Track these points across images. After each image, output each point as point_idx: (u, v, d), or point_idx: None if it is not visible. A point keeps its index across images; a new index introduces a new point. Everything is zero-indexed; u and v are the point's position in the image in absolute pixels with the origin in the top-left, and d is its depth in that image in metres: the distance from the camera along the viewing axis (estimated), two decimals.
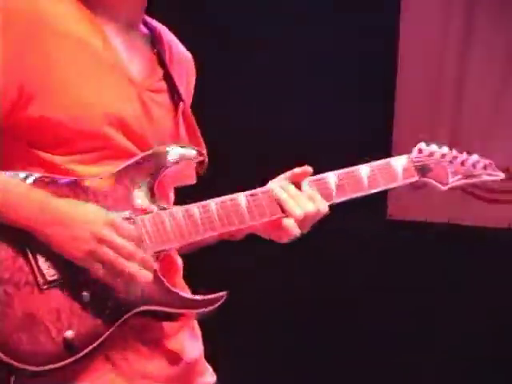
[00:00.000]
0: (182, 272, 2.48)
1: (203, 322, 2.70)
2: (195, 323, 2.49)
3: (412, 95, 6.12)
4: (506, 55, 6.12)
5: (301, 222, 2.46)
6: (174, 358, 2.48)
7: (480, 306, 5.48)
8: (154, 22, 2.52)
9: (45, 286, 2.29)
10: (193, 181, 2.58)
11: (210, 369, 2.51)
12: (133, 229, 2.34)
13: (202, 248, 2.60)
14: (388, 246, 5.54)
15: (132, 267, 2.34)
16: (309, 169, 2.46)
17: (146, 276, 2.34)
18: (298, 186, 2.51)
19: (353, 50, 5.91)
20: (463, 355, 5.77)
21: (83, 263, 2.28)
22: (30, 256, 2.29)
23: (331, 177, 2.52)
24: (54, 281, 2.28)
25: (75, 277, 2.32)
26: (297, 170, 2.48)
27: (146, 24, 2.52)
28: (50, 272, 2.30)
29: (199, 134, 2.57)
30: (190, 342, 2.49)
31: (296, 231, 2.47)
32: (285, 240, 2.48)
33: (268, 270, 5.48)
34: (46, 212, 2.27)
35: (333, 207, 2.54)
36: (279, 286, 5.75)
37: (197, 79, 2.69)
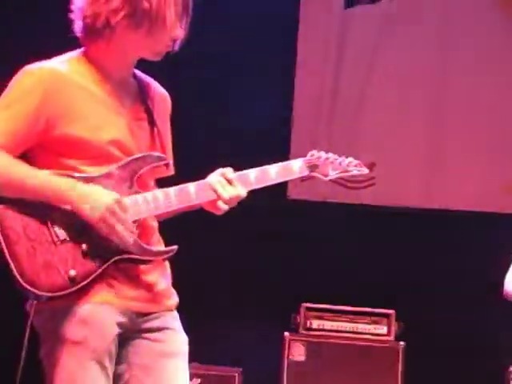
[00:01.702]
0: (156, 232, 2.52)
1: None
2: (166, 264, 2.53)
3: (306, 108, 5.79)
4: (367, 72, 5.77)
5: (228, 202, 2.48)
6: (150, 287, 2.46)
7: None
8: (142, 75, 2.58)
9: (58, 243, 2.33)
10: (170, 173, 2.63)
11: (175, 293, 2.55)
12: (128, 206, 2.40)
13: (173, 216, 2.64)
14: (289, 218, 5.36)
15: (124, 232, 2.38)
16: (230, 169, 2.55)
17: (130, 239, 2.39)
18: (226, 178, 2.53)
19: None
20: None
21: (96, 224, 2.35)
22: (49, 224, 2.34)
23: (252, 172, 2.54)
24: (64, 239, 2.34)
25: (77, 237, 2.36)
26: (225, 169, 2.53)
27: (135, 77, 2.56)
28: (61, 234, 2.33)
29: (170, 147, 2.61)
30: (161, 277, 2.50)
31: (225, 207, 2.49)
32: (219, 213, 2.52)
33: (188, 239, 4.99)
34: (76, 191, 2.34)
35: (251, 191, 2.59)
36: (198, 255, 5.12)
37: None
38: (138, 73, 2.51)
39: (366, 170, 2.64)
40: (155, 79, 2.62)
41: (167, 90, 2.62)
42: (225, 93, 5.38)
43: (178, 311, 2.63)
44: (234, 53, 5.37)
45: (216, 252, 5.11)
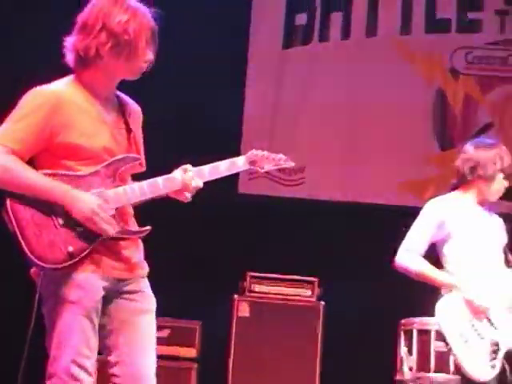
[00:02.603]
0: (132, 216, 2.53)
1: None
2: (140, 242, 2.56)
3: (253, 123, 5.72)
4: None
5: (190, 191, 2.47)
6: (127, 260, 2.49)
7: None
8: (120, 94, 2.58)
9: (59, 226, 2.34)
10: (143, 169, 2.58)
11: (146, 264, 2.57)
12: (107, 206, 2.38)
13: (146, 202, 2.56)
14: (240, 208, 5.34)
15: (105, 227, 2.36)
16: (190, 165, 2.54)
17: (111, 231, 2.38)
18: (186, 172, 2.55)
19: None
20: None
21: (83, 221, 2.34)
22: (52, 213, 2.34)
23: (206, 167, 2.53)
24: (63, 224, 2.34)
25: (73, 222, 2.34)
26: (186, 165, 2.50)
27: (116, 95, 2.55)
28: (60, 221, 2.33)
29: (142, 149, 2.59)
30: (135, 252, 2.53)
31: (189, 196, 2.49)
32: (184, 200, 2.52)
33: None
34: (69, 196, 2.34)
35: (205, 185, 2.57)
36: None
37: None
38: (118, 92, 2.57)
39: (292, 164, 2.65)
40: (132, 92, 2.63)
41: (140, 101, 2.65)
42: (190, 108, 5.34)
43: (154, 277, 2.67)
44: (200, 77, 5.38)
45: (183, 234, 5.10)
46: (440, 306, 3.41)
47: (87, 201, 2.35)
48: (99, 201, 2.36)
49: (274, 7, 5.82)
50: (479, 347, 3.32)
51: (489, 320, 3.34)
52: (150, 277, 2.65)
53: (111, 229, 2.37)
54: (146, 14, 2.42)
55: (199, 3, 5.38)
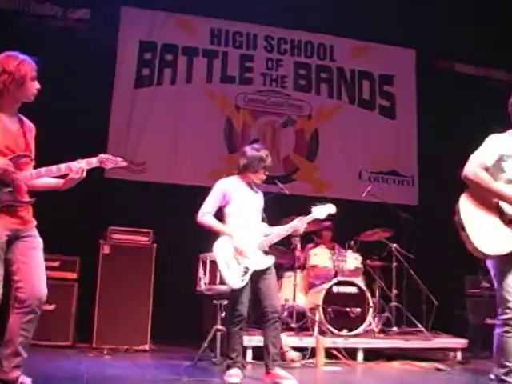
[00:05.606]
0: (25, 191, 2.65)
1: None
2: (30, 207, 2.71)
3: (115, 136, 6.11)
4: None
5: (77, 171, 2.63)
6: (23, 218, 2.68)
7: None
8: (20, 115, 2.69)
9: None
10: (33, 164, 2.62)
11: (34, 220, 2.73)
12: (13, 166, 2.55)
13: (46, 189, 2.71)
14: (105, 186, 5.67)
15: (17, 175, 2.51)
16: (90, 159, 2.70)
17: (22, 185, 2.49)
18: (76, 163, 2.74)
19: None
20: None
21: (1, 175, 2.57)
22: None
23: (80, 160, 2.65)
24: None
25: None
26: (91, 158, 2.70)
27: (18, 115, 2.69)
28: None
29: (33, 150, 2.73)
30: (27, 213, 2.73)
31: (76, 176, 2.61)
32: (74, 178, 2.61)
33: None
34: None
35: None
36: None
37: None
38: (20, 115, 2.78)
39: (125, 163, 2.69)
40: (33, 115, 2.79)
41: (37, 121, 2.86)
42: (74, 126, 5.62)
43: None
44: (82, 107, 5.74)
45: (69, 204, 5.13)
46: (215, 244, 3.67)
47: (1, 161, 2.53)
48: (8, 163, 2.50)
49: (129, 63, 6.23)
50: (236, 270, 3.58)
51: (245, 254, 3.60)
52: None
53: (22, 184, 2.47)
54: (30, 60, 2.66)
55: (78, 63, 5.68)
